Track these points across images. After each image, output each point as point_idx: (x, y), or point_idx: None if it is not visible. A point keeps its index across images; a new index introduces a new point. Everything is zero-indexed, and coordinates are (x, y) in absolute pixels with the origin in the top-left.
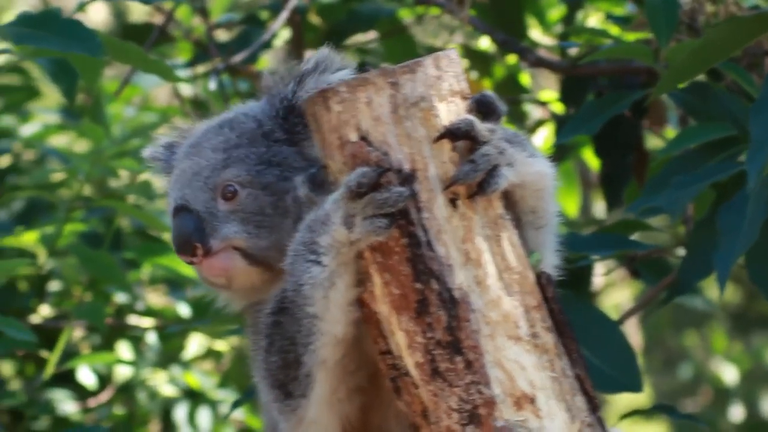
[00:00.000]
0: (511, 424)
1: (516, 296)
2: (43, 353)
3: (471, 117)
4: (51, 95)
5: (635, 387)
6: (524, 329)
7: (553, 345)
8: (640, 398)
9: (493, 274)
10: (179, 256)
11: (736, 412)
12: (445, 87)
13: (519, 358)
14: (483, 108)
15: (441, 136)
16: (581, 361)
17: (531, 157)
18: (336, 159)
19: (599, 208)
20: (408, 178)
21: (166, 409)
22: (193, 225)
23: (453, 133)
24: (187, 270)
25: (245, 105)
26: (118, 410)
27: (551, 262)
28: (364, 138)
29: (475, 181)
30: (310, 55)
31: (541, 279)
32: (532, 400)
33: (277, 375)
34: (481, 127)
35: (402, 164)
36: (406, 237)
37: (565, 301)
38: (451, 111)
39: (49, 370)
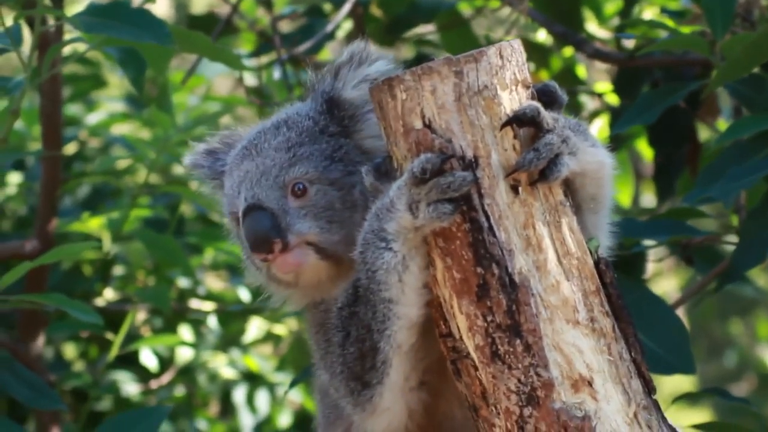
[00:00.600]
0: (568, 406)
1: (575, 281)
2: (107, 336)
3: (537, 104)
4: (116, 85)
5: (688, 369)
6: (582, 313)
7: (610, 329)
8: (685, 385)
9: (552, 259)
10: (255, 254)
11: None
12: (508, 76)
13: (577, 342)
14: (545, 97)
15: (507, 123)
16: (638, 345)
17: (592, 147)
18: (400, 146)
19: (649, 200)
20: (471, 165)
21: (225, 391)
22: (269, 222)
23: (519, 119)
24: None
25: (294, 106)
26: (179, 392)
27: (606, 244)
28: (428, 125)
29: (538, 168)
30: (346, 49)
31: (600, 264)
32: (589, 383)
33: (353, 367)
34: (546, 114)
35: (465, 151)
36: (468, 222)
37: (621, 285)
38: (513, 99)
39: (114, 351)
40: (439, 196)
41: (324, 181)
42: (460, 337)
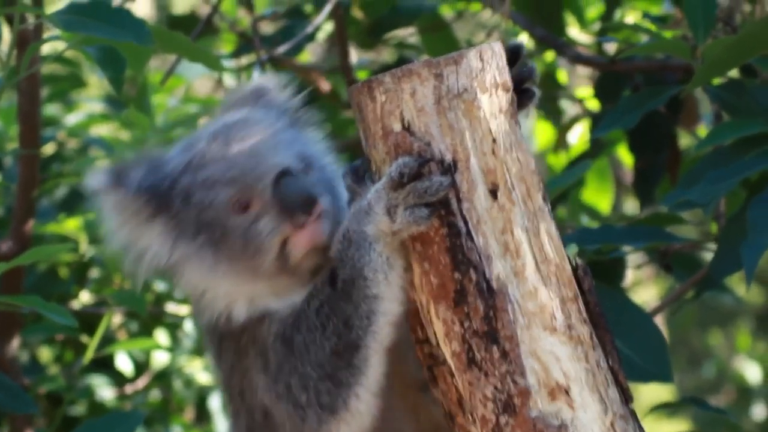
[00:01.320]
0: (545, 415)
1: (553, 288)
2: (83, 339)
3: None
4: (95, 85)
5: (666, 377)
6: (560, 320)
7: (588, 337)
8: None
9: (530, 266)
10: (294, 218)
11: (759, 411)
12: (488, 79)
13: (554, 349)
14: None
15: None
16: (615, 354)
17: None
18: (379, 149)
19: (629, 207)
20: (449, 169)
21: (201, 396)
22: (309, 184)
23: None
24: None
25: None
26: (154, 397)
27: None
28: (407, 128)
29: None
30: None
31: (578, 271)
32: (566, 391)
33: (327, 366)
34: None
35: (444, 155)
36: (446, 227)
37: (599, 292)
38: (493, 103)
39: (89, 355)
40: (416, 201)
41: (322, 159)
42: (437, 343)
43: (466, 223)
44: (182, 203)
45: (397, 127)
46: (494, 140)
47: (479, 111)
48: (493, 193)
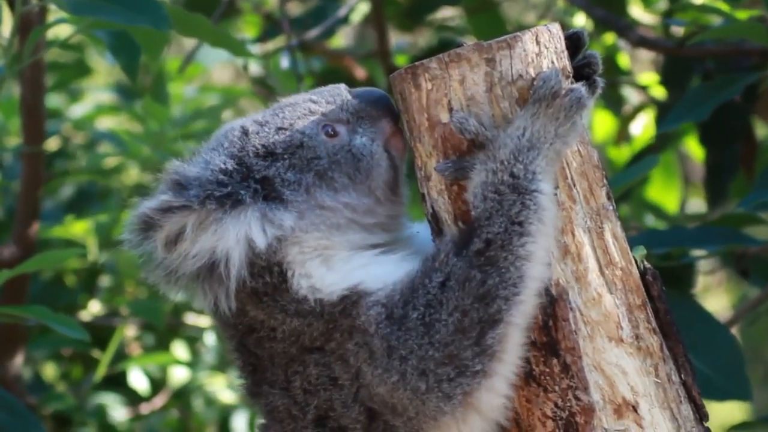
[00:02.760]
0: None
1: (618, 294)
2: (93, 354)
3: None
4: (102, 73)
5: (744, 395)
6: (627, 330)
7: (657, 348)
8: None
9: (593, 270)
10: (387, 109)
11: None
12: (546, 64)
13: (620, 362)
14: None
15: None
16: (688, 366)
17: None
18: (425, 141)
19: (696, 206)
20: None
21: (224, 416)
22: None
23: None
24: None
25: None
26: (172, 418)
27: None
28: (453, 116)
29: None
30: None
31: (646, 275)
32: (634, 408)
33: (449, 346)
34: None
35: None
36: None
37: (668, 299)
38: None
39: (101, 371)
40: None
41: None
42: None
43: None
44: (266, 163)
45: (444, 117)
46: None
47: None
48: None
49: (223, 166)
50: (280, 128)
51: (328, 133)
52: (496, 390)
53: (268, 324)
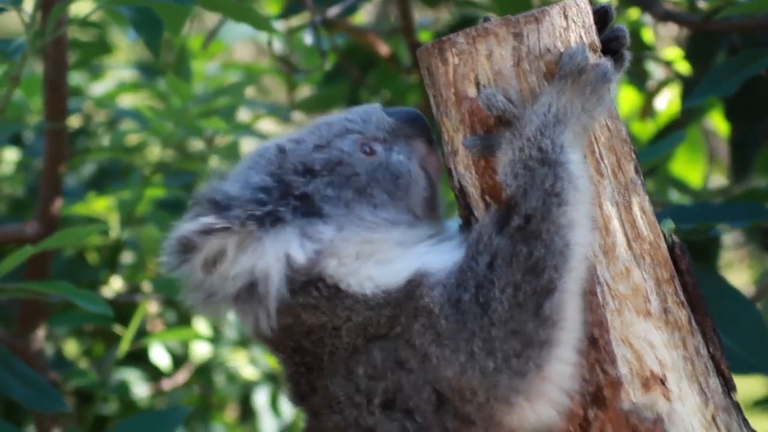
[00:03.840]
0: (638, 407)
1: (646, 268)
2: (115, 330)
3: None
4: (123, 51)
5: None
6: (655, 304)
7: (686, 321)
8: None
9: (621, 244)
10: (422, 128)
11: None
12: (573, 38)
13: (648, 335)
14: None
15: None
16: (716, 340)
17: None
18: (452, 116)
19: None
20: None
21: (245, 392)
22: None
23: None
24: None
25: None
26: (193, 394)
27: None
28: (481, 92)
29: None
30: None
31: (675, 249)
32: (662, 381)
33: (509, 322)
34: None
35: None
36: None
37: (697, 274)
38: None
39: (124, 346)
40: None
41: None
42: None
43: None
44: (304, 180)
45: (471, 92)
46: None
47: None
48: None
49: (261, 184)
50: (317, 146)
51: (365, 152)
52: (564, 359)
53: (330, 325)
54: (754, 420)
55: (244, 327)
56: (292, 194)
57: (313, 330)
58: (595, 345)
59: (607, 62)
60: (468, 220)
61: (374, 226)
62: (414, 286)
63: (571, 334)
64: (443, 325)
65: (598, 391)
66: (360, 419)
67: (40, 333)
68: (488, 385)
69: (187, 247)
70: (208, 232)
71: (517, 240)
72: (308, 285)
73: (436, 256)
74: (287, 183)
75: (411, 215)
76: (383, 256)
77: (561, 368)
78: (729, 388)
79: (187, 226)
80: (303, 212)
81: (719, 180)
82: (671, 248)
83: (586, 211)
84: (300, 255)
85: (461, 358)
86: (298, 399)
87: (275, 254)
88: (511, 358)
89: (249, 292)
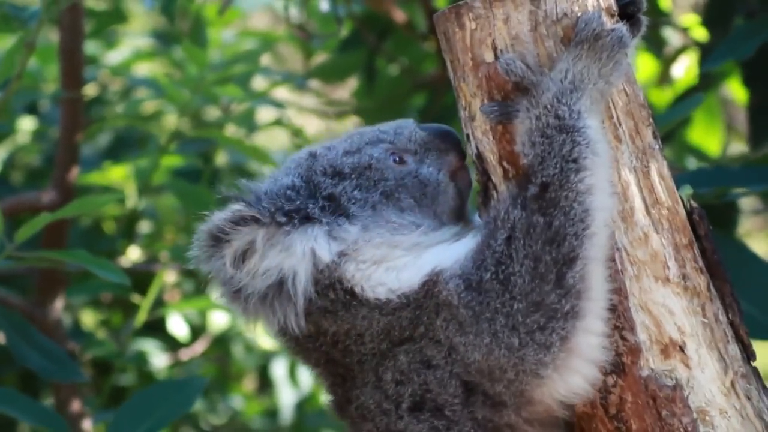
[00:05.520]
0: (657, 374)
1: (665, 233)
2: (133, 300)
3: None
4: (138, 19)
5: None
6: (673, 270)
7: (704, 288)
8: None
9: (640, 209)
10: (454, 143)
11: None
12: (590, 3)
13: (667, 302)
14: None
15: None
16: (735, 306)
17: None
18: (469, 81)
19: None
20: None
21: (263, 363)
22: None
23: None
24: None
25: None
26: (211, 365)
27: None
28: (499, 59)
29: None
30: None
31: (693, 215)
32: (680, 348)
33: (531, 295)
34: None
35: None
36: None
37: (716, 240)
38: None
39: (142, 316)
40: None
41: None
42: None
43: None
44: (333, 182)
45: (488, 57)
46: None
47: None
48: None
49: (291, 183)
50: (348, 151)
51: (395, 161)
52: (591, 330)
53: (354, 332)
54: None
55: (271, 330)
56: (320, 194)
57: (338, 339)
58: (614, 312)
59: (623, 27)
60: (485, 186)
61: (399, 227)
62: (431, 285)
63: (596, 303)
64: (464, 314)
65: (617, 357)
66: (391, 425)
67: (59, 303)
68: (516, 360)
69: (217, 239)
70: (237, 221)
71: (535, 210)
72: (328, 288)
73: (448, 252)
74: (316, 184)
75: (437, 222)
76: (397, 262)
77: (588, 339)
78: (748, 354)
79: (218, 216)
80: (331, 211)
81: (737, 149)
82: (690, 214)
83: (605, 176)
84: (326, 253)
85: (485, 340)
86: (338, 411)
87: (302, 251)
88: (535, 332)
89: (278, 290)
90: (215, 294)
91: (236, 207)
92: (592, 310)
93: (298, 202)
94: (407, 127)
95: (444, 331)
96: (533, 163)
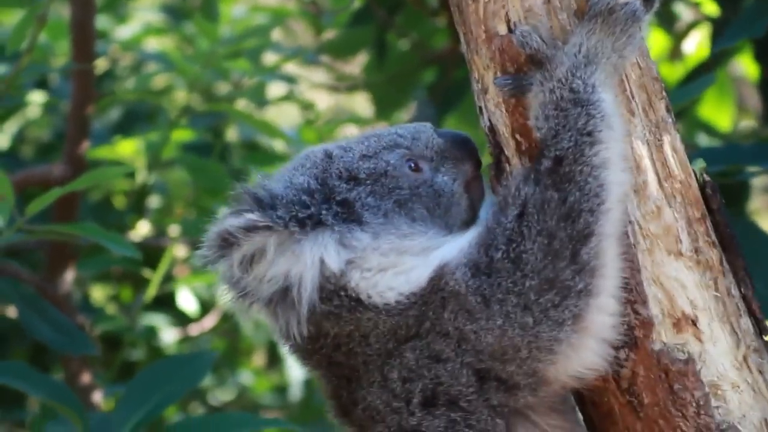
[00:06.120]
0: (669, 348)
1: (677, 207)
2: (143, 274)
3: None
4: None
5: None
6: (686, 243)
7: (717, 261)
8: None
9: (653, 182)
10: (471, 152)
11: None
12: None
13: (679, 275)
14: None
15: None
16: (748, 280)
17: None
18: (482, 54)
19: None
20: None
21: (272, 340)
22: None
23: None
24: None
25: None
26: (220, 340)
27: None
28: (514, 31)
29: None
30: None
31: (706, 188)
32: (693, 322)
33: (544, 271)
34: None
35: None
36: None
37: (728, 214)
38: None
39: (152, 290)
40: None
41: None
42: None
43: None
44: (348, 186)
45: (502, 29)
46: None
47: None
48: None
49: (306, 185)
50: (364, 155)
51: (411, 167)
52: (605, 308)
53: (357, 333)
54: None
55: (274, 333)
56: (334, 199)
57: (341, 341)
58: (626, 285)
59: (636, 1)
60: (498, 159)
61: (408, 235)
62: (437, 280)
63: (610, 281)
64: (472, 301)
65: (629, 331)
66: (403, 422)
67: (69, 276)
68: (530, 338)
69: (227, 242)
70: (251, 229)
71: (548, 185)
72: (333, 294)
73: (451, 245)
74: (330, 187)
75: (447, 233)
76: (405, 266)
77: (602, 318)
78: (761, 329)
79: (230, 221)
80: (343, 218)
81: (749, 126)
82: (702, 187)
83: (620, 150)
84: (334, 262)
85: (498, 321)
86: (342, 415)
87: (311, 258)
88: (549, 310)
89: (282, 296)
90: (222, 292)
91: (250, 216)
92: (606, 288)
93: (312, 210)
94: (425, 133)
95: (452, 322)
96: (546, 137)
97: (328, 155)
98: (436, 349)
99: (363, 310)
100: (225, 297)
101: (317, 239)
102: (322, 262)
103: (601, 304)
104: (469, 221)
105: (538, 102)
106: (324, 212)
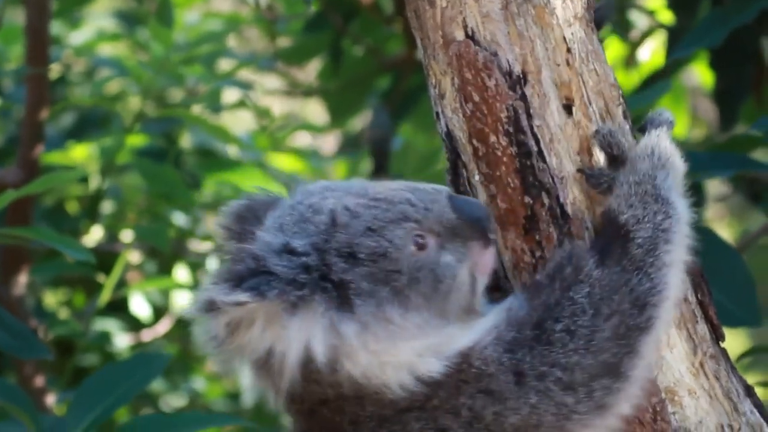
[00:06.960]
0: None
1: None
2: (97, 279)
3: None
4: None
5: (753, 321)
6: None
7: None
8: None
9: None
10: (483, 231)
11: None
12: None
13: None
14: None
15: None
16: (704, 285)
17: None
18: (439, 60)
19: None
20: (518, 81)
21: None
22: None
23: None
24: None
25: None
26: (173, 346)
27: None
28: (471, 36)
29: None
30: None
31: None
32: None
33: (602, 354)
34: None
35: (512, 66)
36: (515, 146)
37: None
38: (567, 9)
39: (105, 295)
40: None
41: None
42: (504, 275)
43: (537, 141)
44: (346, 266)
45: (459, 35)
46: (568, 50)
47: (552, 17)
48: (568, 108)
49: (303, 260)
50: (369, 228)
51: (417, 243)
52: (632, 396)
53: (352, 395)
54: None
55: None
56: (329, 279)
57: (328, 399)
58: None
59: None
60: (455, 164)
61: (399, 331)
62: (455, 370)
63: (644, 372)
64: (502, 380)
65: None
66: None
67: (22, 279)
68: (562, 417)
69: (212, 307)
70: (241, 304)
71: (625, 268)
72: (317, 371)
73: (470, 330)
74: (328, 264)
75: (444, 320)
76: (398, 359)
77: (626, 407)
78: (717, 335)
79: (219, 295)
80: (335, 302)
81: (701, 135)
82: None
83: (683, 257)
84: (320, 350)
85: (531, 399)
86: None
87: (297, 341)
88: (595, 392)
89: (263, 365)
90: (204, 346)
91: (239, 297)
92: (639, 379)
93: (305, 291)
94: (438, 202)
95: (467, 404)
96: (628, 222)
97: (334, 221)
98: (442, 423)
99: (359, 389)
100: (209, 351)
101: (305, 321)
102: (308, 348)
103: (631, 392)
104: (468, 306)
105: (623, 191)
106: (318, 295)
